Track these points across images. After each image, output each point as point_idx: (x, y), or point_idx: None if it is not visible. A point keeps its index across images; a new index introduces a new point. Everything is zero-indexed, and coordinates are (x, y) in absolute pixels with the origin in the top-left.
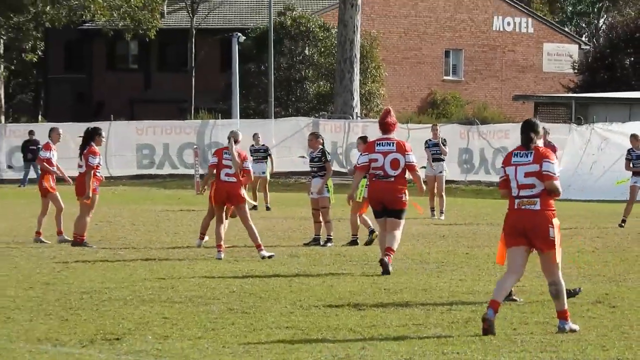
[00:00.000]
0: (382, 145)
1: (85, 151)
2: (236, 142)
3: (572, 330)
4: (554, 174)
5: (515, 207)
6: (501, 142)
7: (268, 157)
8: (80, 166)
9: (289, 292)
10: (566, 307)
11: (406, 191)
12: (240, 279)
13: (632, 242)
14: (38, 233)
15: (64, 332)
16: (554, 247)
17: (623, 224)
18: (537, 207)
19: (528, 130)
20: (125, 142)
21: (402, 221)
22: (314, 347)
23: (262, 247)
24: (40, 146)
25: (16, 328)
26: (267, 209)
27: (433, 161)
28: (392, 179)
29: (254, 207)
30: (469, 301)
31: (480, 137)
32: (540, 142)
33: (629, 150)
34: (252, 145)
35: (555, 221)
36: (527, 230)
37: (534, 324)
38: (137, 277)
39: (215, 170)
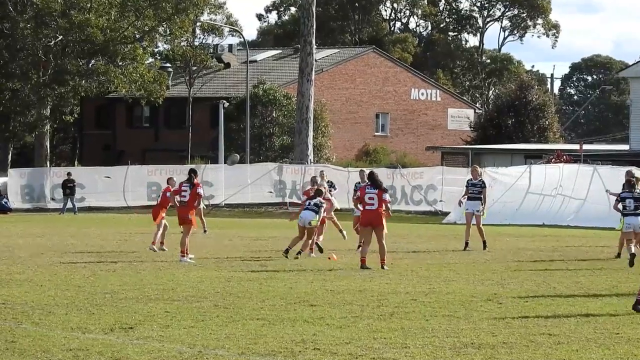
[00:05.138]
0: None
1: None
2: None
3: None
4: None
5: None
6: (417, 181)
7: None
8: (183, 196)
9: (259, 292)
10: None
11: None
12: (223, 282)
13: (514, 255)
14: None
15: (91, 323)
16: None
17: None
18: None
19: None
20: (139, 181)
21: None
22: (277, 333)
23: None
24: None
25: (55, 319)
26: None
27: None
28: None
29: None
30: (393, 299)
31: (402, 177)
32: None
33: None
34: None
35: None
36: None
37: (442, 316)
38: (146, 282)
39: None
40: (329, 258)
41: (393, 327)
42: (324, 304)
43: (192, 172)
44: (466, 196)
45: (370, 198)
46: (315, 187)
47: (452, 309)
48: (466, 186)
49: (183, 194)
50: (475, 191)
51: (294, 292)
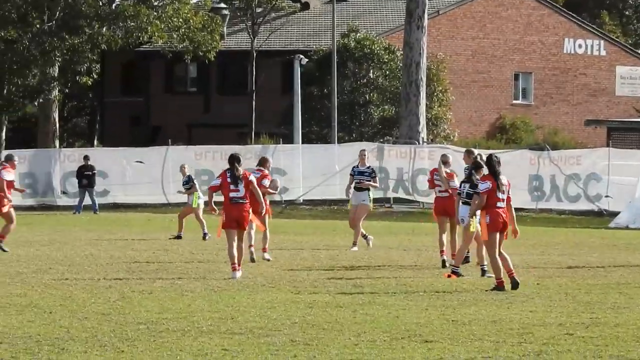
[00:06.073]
0: None
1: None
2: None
3: None
4: None
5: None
6: (573, 168)
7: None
8: (236, 190)
9: (352, 323)
10: None
11: None
12: (302, 309)
13: None
14: None
15: None
16: None
17: None
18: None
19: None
20: None
21: None
22: None
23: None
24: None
25: (70, 359)
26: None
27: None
28: None
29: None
30: (541, 333)
31: (552, 164)
32: None
33: None
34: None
35: None
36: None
37: (608, 357)
38: (196, 308)
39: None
40: (449, 276)
41: None
42: (444, 339)
43: (235, 161)
44: None
45: (503, 192)
46: (446, 169)
47: (625, 347)
48: None
49: (234, 187)
50: None
51: (401, 323)
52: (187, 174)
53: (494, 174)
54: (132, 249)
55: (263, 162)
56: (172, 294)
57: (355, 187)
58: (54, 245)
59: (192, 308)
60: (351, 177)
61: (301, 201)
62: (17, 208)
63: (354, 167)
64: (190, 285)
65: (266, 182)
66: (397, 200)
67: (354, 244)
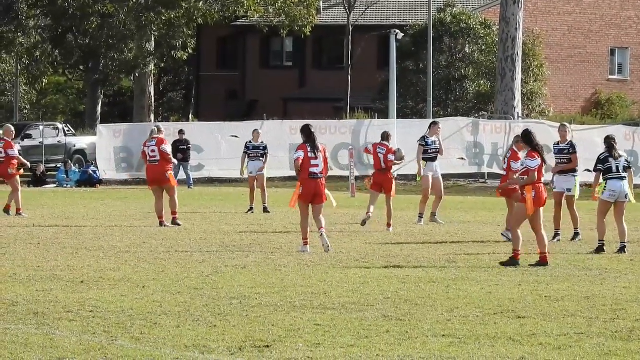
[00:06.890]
0: None
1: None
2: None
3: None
4: None
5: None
6: None
7: None
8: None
9: (445, 299)
10: None
11: None
12: (396, 284)
13: None
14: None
15: (212, 339)
16: None
17: None
18: None
19: None
20: (278, 142)
21: None
22: (471, 356)
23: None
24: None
25: (163, 334)
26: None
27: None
28: None
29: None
30: (634, 310)
31: None
32: None
33: None
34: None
35: None
36: None
37: None
38: (289, 283)
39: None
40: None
41: (633, 349)
42: (536, 315)
43: (311, 132)
44: None
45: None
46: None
47: None
48: None
49: (314, 162)
50: None
51: (494, 299)
52: (262, 142)
53: (538, 149)
54: (225, 223)
55: (386, 136)
56: (265, 269)
57: (429, 159)
58: (148, 219)
59: (285, 283)
60: (421, 147)
61: (396, 176)
62: (112, 182)
63: (425, 137)
64: (283, 260)
65: (392, 157)
66: (492, 176)
67: (432, 214)
